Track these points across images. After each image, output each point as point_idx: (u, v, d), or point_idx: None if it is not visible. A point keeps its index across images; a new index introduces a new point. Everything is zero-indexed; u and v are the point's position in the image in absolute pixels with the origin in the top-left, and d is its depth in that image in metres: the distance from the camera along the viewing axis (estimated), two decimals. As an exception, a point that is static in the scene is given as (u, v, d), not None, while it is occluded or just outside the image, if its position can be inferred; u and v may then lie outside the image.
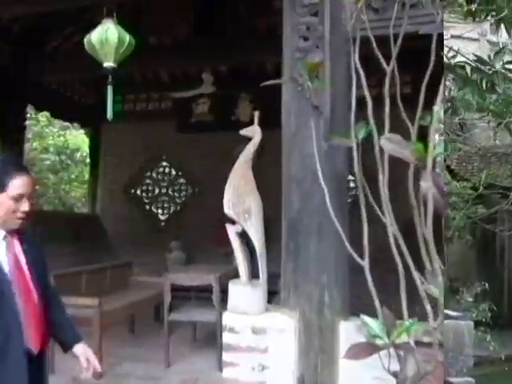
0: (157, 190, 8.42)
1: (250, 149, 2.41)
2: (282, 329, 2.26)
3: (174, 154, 8.30)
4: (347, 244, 1.65)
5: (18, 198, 1.77)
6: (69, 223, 6.55)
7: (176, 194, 8.36)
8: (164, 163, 8.39)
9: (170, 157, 8.35)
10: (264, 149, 8.00)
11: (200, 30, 6.23)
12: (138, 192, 8.39)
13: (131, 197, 8.32)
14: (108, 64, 3.00)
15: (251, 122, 7.51)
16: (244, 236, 2.42)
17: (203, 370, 4.55)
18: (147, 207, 8.32)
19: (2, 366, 1.71)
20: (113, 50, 2.89)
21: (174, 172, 8.43)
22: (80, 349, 2.00)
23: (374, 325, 1.51)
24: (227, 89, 7.03)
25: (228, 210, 2.37)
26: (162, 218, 8.31)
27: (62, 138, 11.87)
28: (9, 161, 1.90)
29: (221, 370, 4.58)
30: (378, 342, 1.50)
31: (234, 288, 2.37)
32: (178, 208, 8.29)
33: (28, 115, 8.19)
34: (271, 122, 7.38)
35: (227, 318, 2.32)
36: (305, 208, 2.31)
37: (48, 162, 11.35)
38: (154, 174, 8.41)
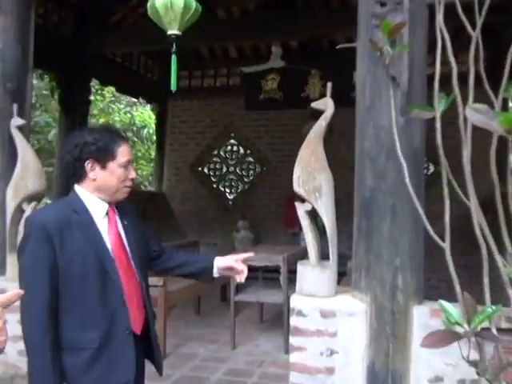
0: (224, 169, 8.55)
1: (321, 123, 2.39)
2: (353, 312, 2.26)
3: (242, 132, 8.38)
4: (427, 225, 1.60)
5: (126, 165, 1.83)
6: (135, 201, 6.78)
7: (244, 173, 8.46)
8: (232, 141, 8.49)
9: (238, 134, 8.44)
10: (334, 127, 7.93)
11: (269, 2, 6.19)
12: (206, 170, 8.57)
13: (198, 175, 8.51)
14: (172, 31, 2.91)
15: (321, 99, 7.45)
16: (314, 215, 2.41)
17: (269, 352, 4.66)
18: (214, 186, 8.49)
19: (110, 348, 1.73)
20: (178, 16, 2.80)
21: (242, 150, 8.52)
22: (220, 260, 2.02)
23: (454, 311, 1.48)
24: (297, 64, 6.96)
25: (298, 187, 2.37)
26: (229, 196, 8.46)
27: (128, 114, 12.16)
28: (111, 130, 1.91)
29: (287, 352, 4.68)
30: (458, 329, 1.46)
31: (302, 269, 2.38)
32: (246, 187, 8.40)
33: (93, 90, 8.47)
34: (342, 100, 7.29)
35: (295, 301, 2.34)
36: (378, 186, 2.27)
37: (114, 140, 11.76)
38: (221, 152, 8.53)
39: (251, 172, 8.42)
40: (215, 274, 2.03)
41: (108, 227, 1.84)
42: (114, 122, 11.61)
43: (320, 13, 6.28)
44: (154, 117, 9.86)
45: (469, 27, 1.62)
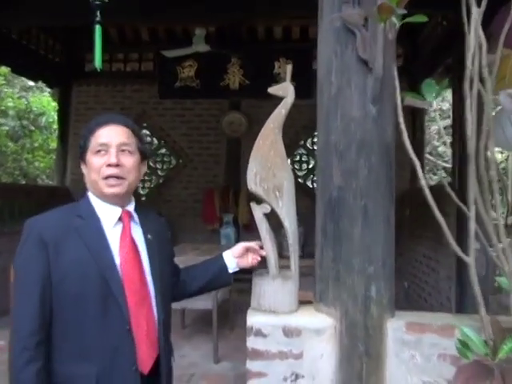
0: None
1: (280, 112, 2.08)
2: (320, 329, 1.99)
3: (156, 122, 7.89)
4: (449, 236, 1.36)
5: (99, 150, 1.56)
6: (32, 197, 6.09)
7: (158, 166, 8.00)
8: (145, 131, 7.96)
9: (151, 124, 7.93)
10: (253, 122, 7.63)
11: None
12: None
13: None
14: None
15: (241, 90, 7.12)
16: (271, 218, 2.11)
17: (198, 364, 4.31)
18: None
19: None
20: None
21: (155, 141, 8.03)
22: (229, 252, 1.96)
23: (477, 339, 1.24)
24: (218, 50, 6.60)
25: (254, 185, 2.05)
26: (142, 192, 7.96)
27: (23, 100, 10.99)
28: (98, 118, 1.67)
29: (217, 362, 4.38)
30: (484, 359, 1.23)
31: (259, 282, 2.06)
32: (160, 181, 7.94)
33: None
34: (262, 91, 7.06)
35: (253, 318, 2.03)
36: (348, 185, 2.01)
37: (7, 128, 10.51)
38: (132, 144, 7.96)
39: (166, 165, 7.96)
40: (232, 268, 1.95)
41: (120, 238, 1.55)
42: (7, 109, 10.45)
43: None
44: (54, 103, 9.00)
45: None
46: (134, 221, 1.66)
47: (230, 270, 1.96)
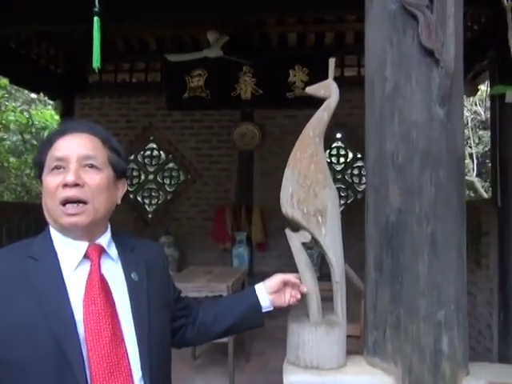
0: (143, 177, 7.65)
1: (322, 116, 1.68)
2: (377, 392, 1.57)
3: (164, 135, 7.54)
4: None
5: (54, 167, 1.20)
6: (33, 216, 5.75)
7: (165, 181, 7.62)
8: (151, 145, 7.60)
9: (158, 137, 7.58)
10: (267, 131, 7.25)
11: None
12: (121, 178, 7.60)
13: (112, 184, 7.51)
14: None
15: (254, 99, 6.74)
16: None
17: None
18: (131, 196, 7.55)
19: None
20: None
21: (163, 155, 7.66)
22: (261, 289, 1.57)
23: None
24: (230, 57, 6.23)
25: (291, 209, 1.64)
26: (149, 209, 7.58)
27: (25, 113, 10.64)
28: (56, 130, 1.33)
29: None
30: None
31: (298, 329, 1.65)
32: (168, 197, 7.56)
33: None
34: (276, 101, 6.62)
35: (290, 377, 1.61)
36: (410, 207, 1.61)
37: (8, 143, 10.24)
38: (139, 158, 7.63)
39: (174, 180, 7.57)
40: (266, 307, 1.56)
41: (86, 283, 1.18)
42: (8, 123, 10.14)
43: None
44: (57, 117, 8.67)
45: None
46: (110, 257, 1.27)
47: (264, 310, 1.57)
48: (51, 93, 7.36)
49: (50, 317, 1.09)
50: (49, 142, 1.22)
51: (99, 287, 1.16)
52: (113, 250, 1.28)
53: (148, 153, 7.62)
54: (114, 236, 1.32)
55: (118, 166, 1.29)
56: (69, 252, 1.20)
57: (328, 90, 1.70)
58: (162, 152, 7.64)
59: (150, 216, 7.48)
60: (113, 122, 7.49)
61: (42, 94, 7.72)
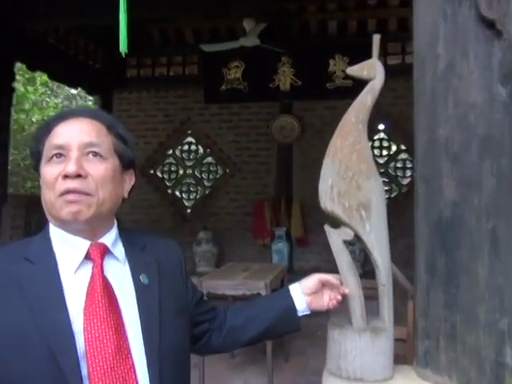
0: (181, 171, 7.60)
1: (366, 100, 1.51)
2: (430, 409, 1.40)
3: (201, 129, 7.46)
4: None
5: (52, 155, 1.06)
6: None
7: (204, 176, 7.66)
8: (189, 139, 7.54)
9: (196, 131, 7.50)
10: (305, 122, 7.04)
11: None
12: (159, 173, 7.58)
13: (150, 179, 7.51)
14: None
15: (293, 91, 6.55)
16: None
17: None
18: (169, 191, 7.52)
19: None
20: None
21: (201, 149, 7.59)
22: (296, 289, 1.42)
23: None
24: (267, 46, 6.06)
25: (331, 202, 1.48)
26: (187, 203, 7.52)
27: (66, 109, 10.87)
28: (52, 117, 1.18)
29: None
30: None
31: (339, 337, 1.49)
32: (206, 192, 7.48)
33: (22, 79, 7.31)
34: (316, 92, 6.42)
35: (331, 388, 1.46)
36: (468, 201, 1.42)
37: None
38: (177, 152, 7.59)
39: (212, 175, 7.50)
40: (302, 310, 1.41)
41: (88, 287, 1.04)
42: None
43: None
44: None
45: None
46: (115, 258, 1.13)
47: (300, 313, 1.41)
48: (90, 88, 7.41)
49: (44, 327, 0.97)
50: (47, 129, 1.10)
51: (102, 292, 1.03)
52: (119, 250, 1.14)
53: (186, 147, 7.57)
54: (121, 233, 1.18)
55: (125, 155, 1.15)
56: (68, 252, 1.07)
57: (372, 70, 1.53)
58: (199, 146, 7.58)
59: (188, 211, 7.43)
60: (151, 117, 7.48)
61: (81, 90, 7.79)
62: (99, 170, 1.06)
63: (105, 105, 7.45)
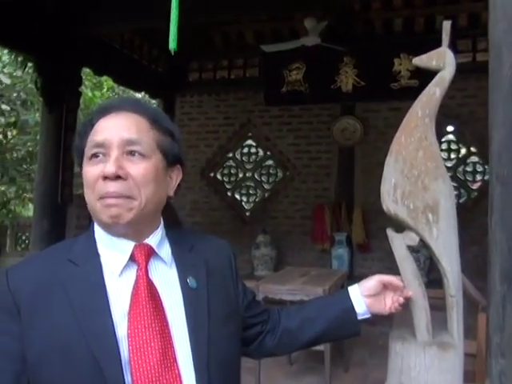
0: (240, 174, 7.60)
1: (434, 92, 1.39)
2: None
3: (261, 131, 7.43)
4: None
5: (93, 154, 1.01)
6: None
7: (263, 179, 7.59)
8: (249, 142, 7.53)
9: (256, 134, 7.48)
10: (370, 124, 6.82)
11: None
12: (219, 176, 7.61)
13: (210, 182, 7.55)
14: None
15: (355, 92, 6.37)
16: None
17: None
18: (229, 194, 7.53)
19: None
20: None
21: (261, 152, 7.56)
22: (355, 291, 1.32)
23: None
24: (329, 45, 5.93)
25: (394, 204, 1.37)
26: (246, 206, 7.53)
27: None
28: (94, 110, 1.13)
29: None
30: None
31: (402, 351, 1.37)
32: (266, 195, 7.44)
33: (89, 84, 7.56)
34: (380, 92, 6.20)
35: (393, 407, 1.34)
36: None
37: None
38: (237, 155, 7.61)
39: (272, 178, 7.44)
40: (362, 313, 1.31)
41: (132, 291, 1.00)
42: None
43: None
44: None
45: None
46: (161, 259, 1.06)
47: (360, 317, 1.31)
48: (152, 92, 7.55)
49: (88, 332, 0.93)
50: (90, 123, 1.05)
51: (146, 296, 0.98)
52: (165, 251, 1.08)
53: (246, 150, 7.56)
54: (169, 233, 1.12)
55: (170, 151, 1.07)
56: (113, 255, 1.02)
57: (441, 60, 1.40)
58: (259, 149, 7.55)
59: (247, 214, 7.41)
60: (211, 119, 7.53)
61: (145, 94, 7.96)
62: (139, 170, 1.00)
63: (167, 108, 7.57)
